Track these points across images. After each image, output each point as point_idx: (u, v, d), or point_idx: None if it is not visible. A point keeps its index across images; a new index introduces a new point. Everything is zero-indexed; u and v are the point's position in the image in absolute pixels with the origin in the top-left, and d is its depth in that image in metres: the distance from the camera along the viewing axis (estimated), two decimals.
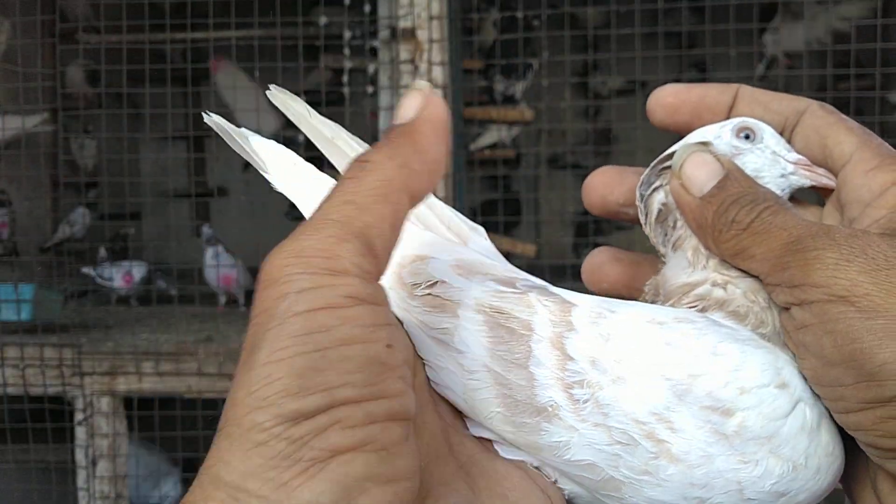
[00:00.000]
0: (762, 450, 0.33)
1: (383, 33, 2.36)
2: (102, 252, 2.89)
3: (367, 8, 2.43)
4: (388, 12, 2.37)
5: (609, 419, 0.34)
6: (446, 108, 0.37)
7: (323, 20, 2.47)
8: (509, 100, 2.96)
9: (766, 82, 3.77)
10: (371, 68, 2.45)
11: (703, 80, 2.98)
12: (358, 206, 0.31)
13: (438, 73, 2.31)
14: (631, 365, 0.34)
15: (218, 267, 2.75)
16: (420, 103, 0.35)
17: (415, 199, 0.34)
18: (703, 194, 0.39)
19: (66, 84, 2.98)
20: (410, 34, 2.30)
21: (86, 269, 2.85)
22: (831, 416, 0.35)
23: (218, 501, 0.27)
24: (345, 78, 2.46)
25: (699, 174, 0.39)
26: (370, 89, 2.48)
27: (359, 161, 0.33)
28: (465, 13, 2.75)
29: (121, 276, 2.83)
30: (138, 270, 2.85)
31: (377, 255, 0.31)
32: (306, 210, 0.41)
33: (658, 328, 0.36)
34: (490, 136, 2.97)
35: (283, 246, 0.31)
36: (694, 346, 0.35)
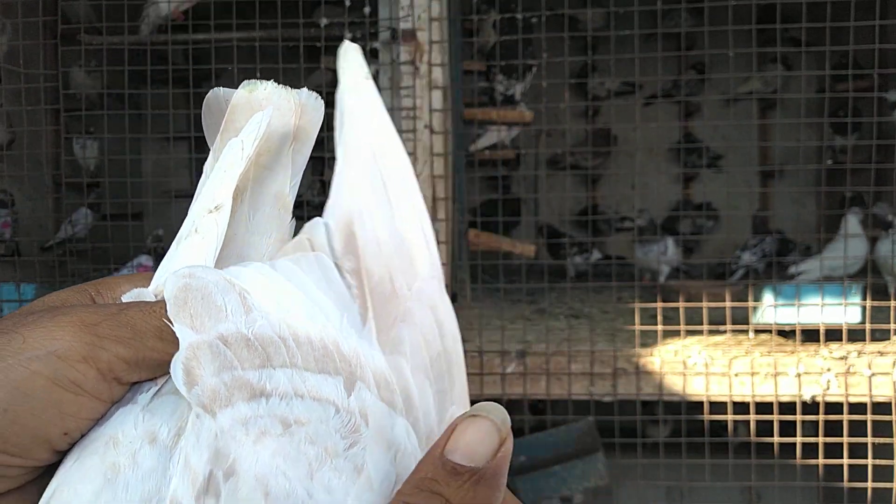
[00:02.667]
0: None
1: (384, 35, 2.38)
2: (143, 259, 2.90)
3: (367, 9, 2.45)
4: (388, 14, 2.38)
5: None
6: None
7: (324, 21, 2.49)
8: (509, 101, 2.97)
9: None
10: (371, 69, 2.47)
11: (702, 81, 3.02)
12: None
13: (438, 74, 2.32)
14: None
15: None
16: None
17: None
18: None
19: (71, 85, 3.00)
20: (411, 36, 2.32)
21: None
22: None
23: None
24: None
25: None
26: None
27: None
28: (465, 15, 2.76)
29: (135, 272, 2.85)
30: (146, 259, 2.86)
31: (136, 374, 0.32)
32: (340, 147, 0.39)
33: None
34: (490, 137, 2.98)
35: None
36: None
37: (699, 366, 2.24)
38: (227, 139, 0.40)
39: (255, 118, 0.39)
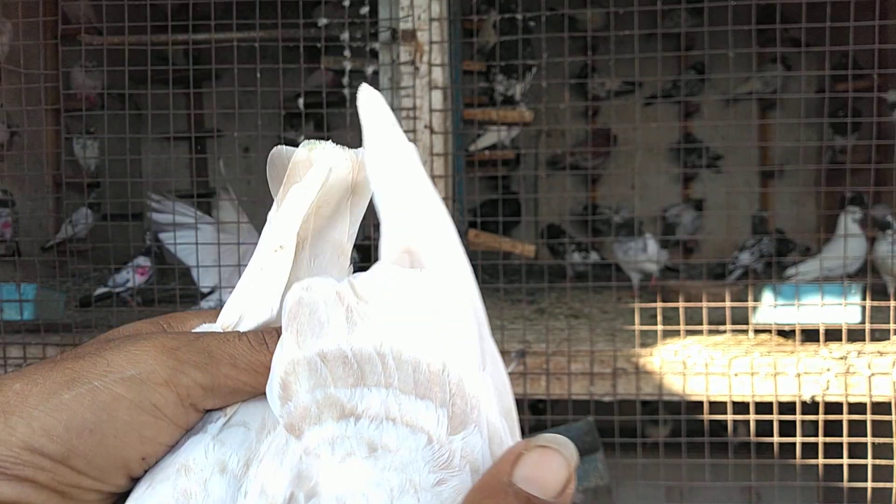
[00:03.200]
0: None
1: (384, 35, 2.38)
2: (141, 260, 2.90)
3: (366, 10, 2.45)
4: (388, 14, 2.38)
5: None
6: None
7: (323, 22, 2.49)
8: (509, 101, 2.97)
9: None
10: (371, 69, 2.47)
11: (702, 82, 3.01)
12: None
13: (438, 74, 2.32)
14: None
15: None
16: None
17: None
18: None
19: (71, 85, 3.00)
20: (411, 36, 2.32)
21: (101, 290, 2.86)
22: None
23: None
24: (345, 79, 2.48)
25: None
26: None
27: None
28: (465, 15, 2.77)
29: (133, 273, 2.84)
30: (143, 259, 2.86)
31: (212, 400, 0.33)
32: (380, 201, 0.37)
33: None
34: (490, 137, 2.98)
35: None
36: None
37: (699, 366, 2.24)
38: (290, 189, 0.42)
39: (317, 169, 0.41)
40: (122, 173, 2.88)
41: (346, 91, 2.47)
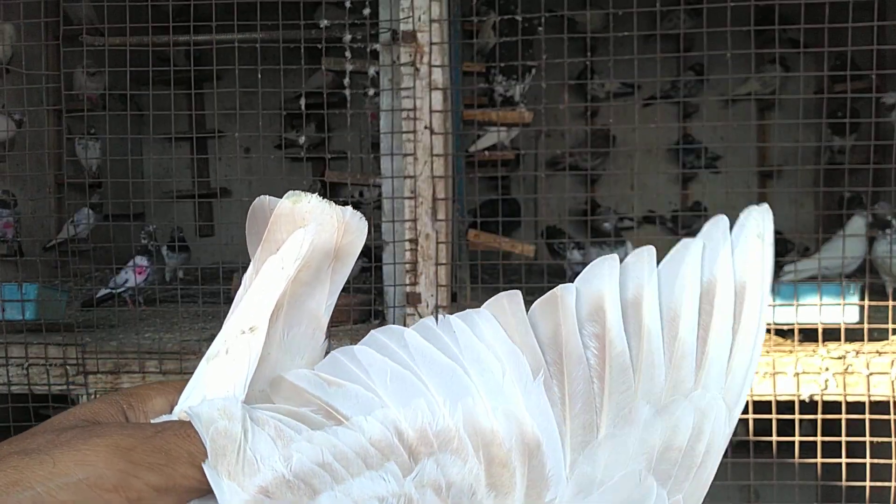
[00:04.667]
0: None
1: (384, 36, 2.39)
2: (139, 259, 2.89)
3: (367, 11, 2.46)
4: (389, 15, 2.39)
5: None
6: None
7: (324, 23, 2.50)
8: (508, 102, 2.98)
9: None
10: (372, 70, 2.48)
11: (701, 82, 3.01)
12: None
13: (438, 75, 2.33)
14: None
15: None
16: None
17: None
18: None
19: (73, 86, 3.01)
20: (411, 37, 2.33)
21: (102, 292, 2.86)
22: None
23: None
24: (346, 80, 2.49)
25: None
26: (371, 91, 2.50)
27: None
28: (465, 16, 2.77)
29: (132, 273, 2.84)
30: (141, 259, 2.86)
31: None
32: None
33: None
34: (490, 138, 2.99)
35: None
36: None
37: None
38: (268, 251, 0.40)
39: (298, 236, 0.39)
40: (123, 174, 2.89)
41: (347, 92, 2.48)
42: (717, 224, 0.40)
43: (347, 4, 2.47)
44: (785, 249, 3.29)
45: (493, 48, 2.83)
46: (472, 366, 0.35)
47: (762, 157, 4.17)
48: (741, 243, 0.39)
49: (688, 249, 0.39)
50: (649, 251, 0.39)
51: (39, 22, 2.67)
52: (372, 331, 0.38)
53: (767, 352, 2.27)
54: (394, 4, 2.37)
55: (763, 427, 2.31)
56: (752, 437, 2.29)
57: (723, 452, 0.36)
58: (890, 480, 2.22)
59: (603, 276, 0.38)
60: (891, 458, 2.21)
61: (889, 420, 2.17)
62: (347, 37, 2.47)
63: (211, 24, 2.48)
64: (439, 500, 0.32)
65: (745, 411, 2.24)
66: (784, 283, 2.56)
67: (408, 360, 0.36)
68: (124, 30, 2.53)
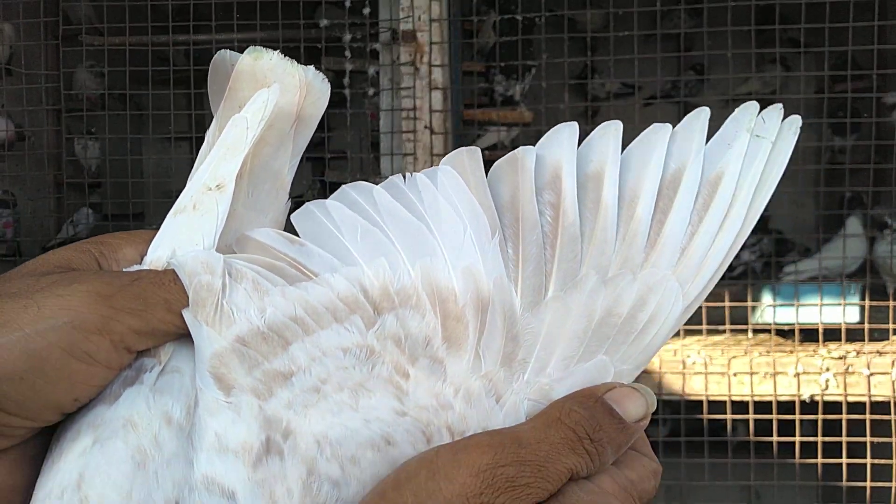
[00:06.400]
0: None
1: (384, 35, 2.38)
2: None
3: (367, 10, 2.46)
4: (388, 15, 2.39)
5: None
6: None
7: (324, 22, 2.50)
8: (509, 101, 2.98)
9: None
10: (372, 70, 2.48)
11: (701, 82, 3.02)
12: None
13: (438, 75, 2.33)
14: None
15: None
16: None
17: None
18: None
19: (74, 86, 3.01)
20: (411, 36, 2.32)
21: None
22: None
23: None
24: (346, 80, 2.48)
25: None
26: (371, 91, 2.50)
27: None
28: (464, 16, 2.77)
29: None
30: None
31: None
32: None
33: None
34: (490, 138, 2.99)
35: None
36: None
37: (698, 365, 2.24)
38: (230, 108, 0.40)
39: (261, 96, 0.39)
40: (123, 174, 2.89)
41: (347, 92, 2.47)
42: (699, 115, 0.43)
43: (347, 4, 2.46)
44: (786, 249, 3.29)
45: (493, 48, 2.83)
46: (435, 224, 0.37)
47: None
48: (724, 135, 0.42)
49: (657, 134, 0.41)
50: (616, 126, 0.40)
51: (39, 22, 2.66)
52: (343, 186, 0.39)
53: (768, 352, 2.27)
54: (394, 4, 2.37)
55: (763, 427, 2.31)
56: (752, 438, 2.28)
57: (672, 330, 0.39)
58: (891, 481, 2.22)
59: (562, 143, 0.40)
60: (892, 458, 2.21)
61: (890, 420, 2.17)
62: (347, 36, 2.46)
63: (210, 23, 2.48)
64: (398, 350, 0.34)
65: (746, 411, 2.24)
66: (784, 283, 2.56)
67: (376, 217, 0.37)
68: (123, 29, 2.53)
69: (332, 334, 0.34)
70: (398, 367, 0.33)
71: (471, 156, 0.39)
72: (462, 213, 0.37)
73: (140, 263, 0.37)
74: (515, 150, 0.40)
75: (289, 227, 0.40)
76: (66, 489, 0.30)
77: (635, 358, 0.37)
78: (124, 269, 0.37)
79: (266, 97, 0.39)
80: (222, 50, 0.41)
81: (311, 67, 0.41)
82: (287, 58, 0.40)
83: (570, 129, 0.41)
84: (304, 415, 0.32)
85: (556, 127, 0.41)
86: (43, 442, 0.33)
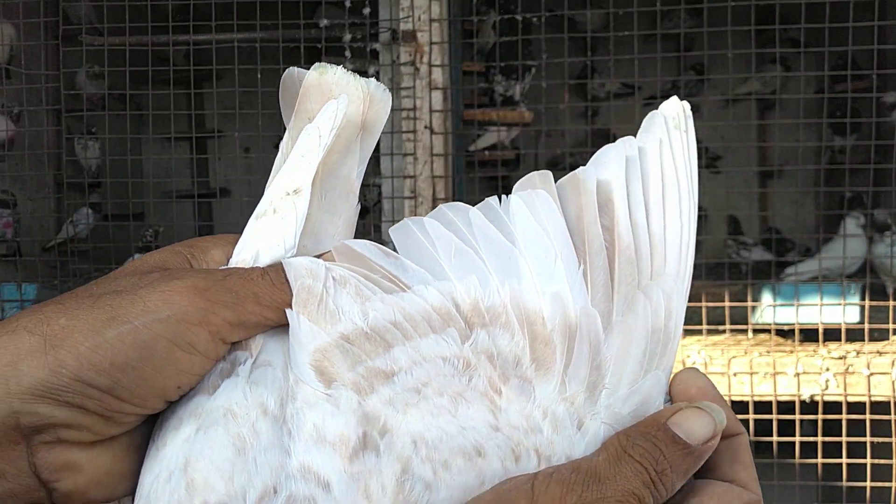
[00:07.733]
0: None
1: (384, 36, 2.39)
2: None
3: (367, 10, 2.46)
4: (388, 15, 2.39)
5: None
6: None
7: (324, 22, 2.50)
8: (509, 101, 2.98)
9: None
10: (372, 70, 2.48)
11: (701, 82, 3.02)
12: None
13: (438, 75, 2.33)
14: None
15: None
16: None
17: None
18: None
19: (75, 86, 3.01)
20: (411, 37, 2.32)
21: None
22: None
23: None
24: None
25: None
26: None
27: None
28: (464, 16, 2.77)
29: None
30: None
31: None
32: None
33: None
34: (490, 138, 2.99)
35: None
36: None
37: (698, 365, 2.24)
38: (301, 120, 0.43)
39: (331, 107, 0.42)
40: (123, 173, 2.89)
41: None
42: (652, 120, 0.45)
43: (347, 4, 2.46)
44: (786, 249, 3.29)
45: (493, 48, 2.83)
46: (527, 248, 0.38)
47: (762, 156, 4.17)
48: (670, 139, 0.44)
49: (646, 149, 0.43)
50: (630, 145, 0.43)
51: (39, 22, 2.67)
52: (441, 205, 0.41)
53: (768, 352, 2.27)
54: (394, 4, 2.37)
55: (764, 427, 2.31)
56: (752, 438, 2.28)
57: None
58: (891, 481, 2.22)
59: (609, 165, 0.41)
60: (891, 458, 2.21)
61: (890, 420, 2.17)
62: (347, 36, 2.47)
63: (210, 23, 2.48)
64: (491, 366, 0.35)
65: (746, 411, 2.24)
66: (785, 283, 2.56)
67: (470, 237, 0.38)
68: (123, 29, 2.53)
69: (431, 342, 0.35)
70: (492, 382, 0.35)
71: (543, 178, 0.40)
72: (553, 240, 0.38)
73: (227, 264, 0.40)
74: (576, 171, 0.41)
75: (358, 230, 0.44)
76: (174, 472, 0.33)
77: (668, 364, 0.38)
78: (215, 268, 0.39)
79: (335, 108, 0.42)
80: (290, 67, 0.44)
81: (373, 79, 0.44)
82: (350, 72, 0.43)
83: (616, 151, 0.42)
84: (405, 412, 0.33)
85: (603, 148, 0.42)
86: (145, 433, 0.36)
